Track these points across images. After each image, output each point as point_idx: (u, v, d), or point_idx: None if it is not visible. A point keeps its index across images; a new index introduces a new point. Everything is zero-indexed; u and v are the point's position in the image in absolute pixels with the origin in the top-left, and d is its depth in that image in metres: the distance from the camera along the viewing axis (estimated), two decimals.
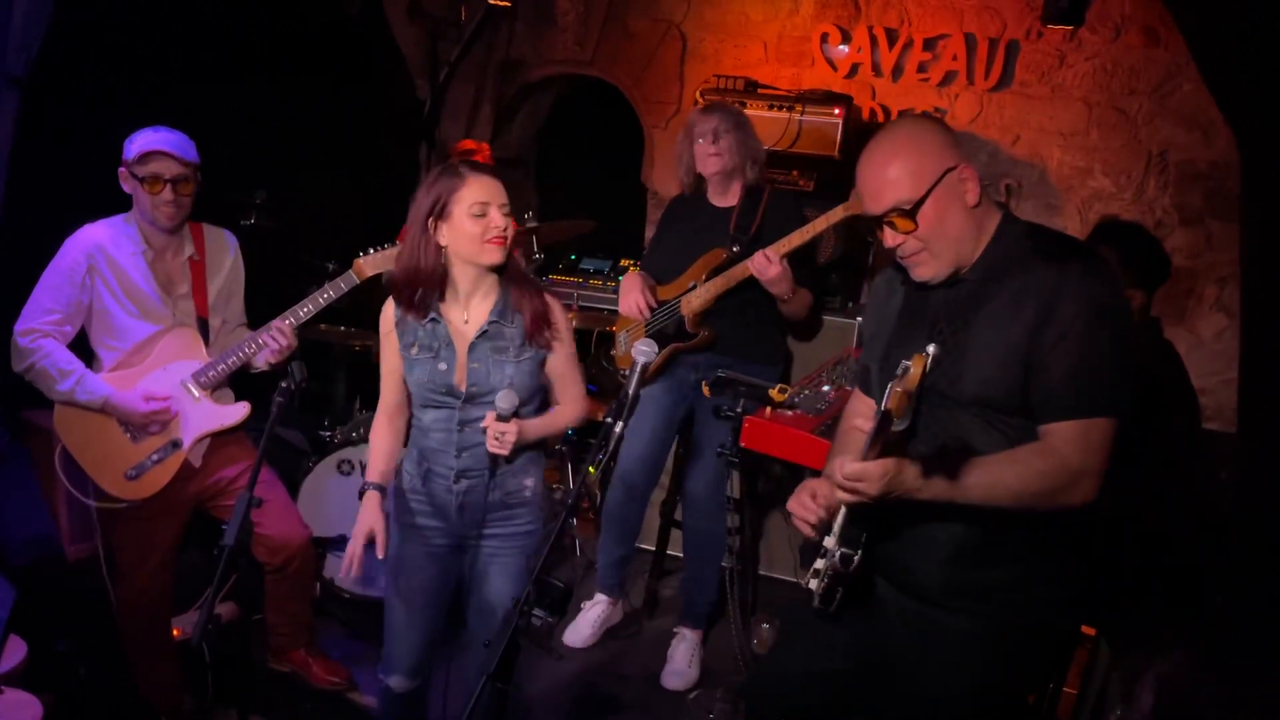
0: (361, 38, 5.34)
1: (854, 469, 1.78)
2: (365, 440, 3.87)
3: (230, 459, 3.13)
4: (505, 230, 2.43)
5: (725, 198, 3.56)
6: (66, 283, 2.90)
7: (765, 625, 3.82)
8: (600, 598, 3.88)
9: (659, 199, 5.37)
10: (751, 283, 3.38)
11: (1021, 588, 2.02)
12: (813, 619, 2.19)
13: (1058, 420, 1.89)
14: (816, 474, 2.25)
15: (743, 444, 3.15)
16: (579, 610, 3.88)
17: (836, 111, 4.35)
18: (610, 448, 2.20)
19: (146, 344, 2.99)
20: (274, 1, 4.64)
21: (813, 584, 2.09)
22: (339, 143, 5.07)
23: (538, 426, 2.54)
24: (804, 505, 2.03)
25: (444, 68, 5.55)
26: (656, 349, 2.35)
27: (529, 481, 2.59)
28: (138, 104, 3.30)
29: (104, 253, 2.93)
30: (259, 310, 3.22)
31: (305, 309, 3.06)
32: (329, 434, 4.10)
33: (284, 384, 2.45)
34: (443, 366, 2.49)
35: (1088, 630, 2.80)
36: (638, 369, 2.25)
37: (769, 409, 3.17)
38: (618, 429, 2.21)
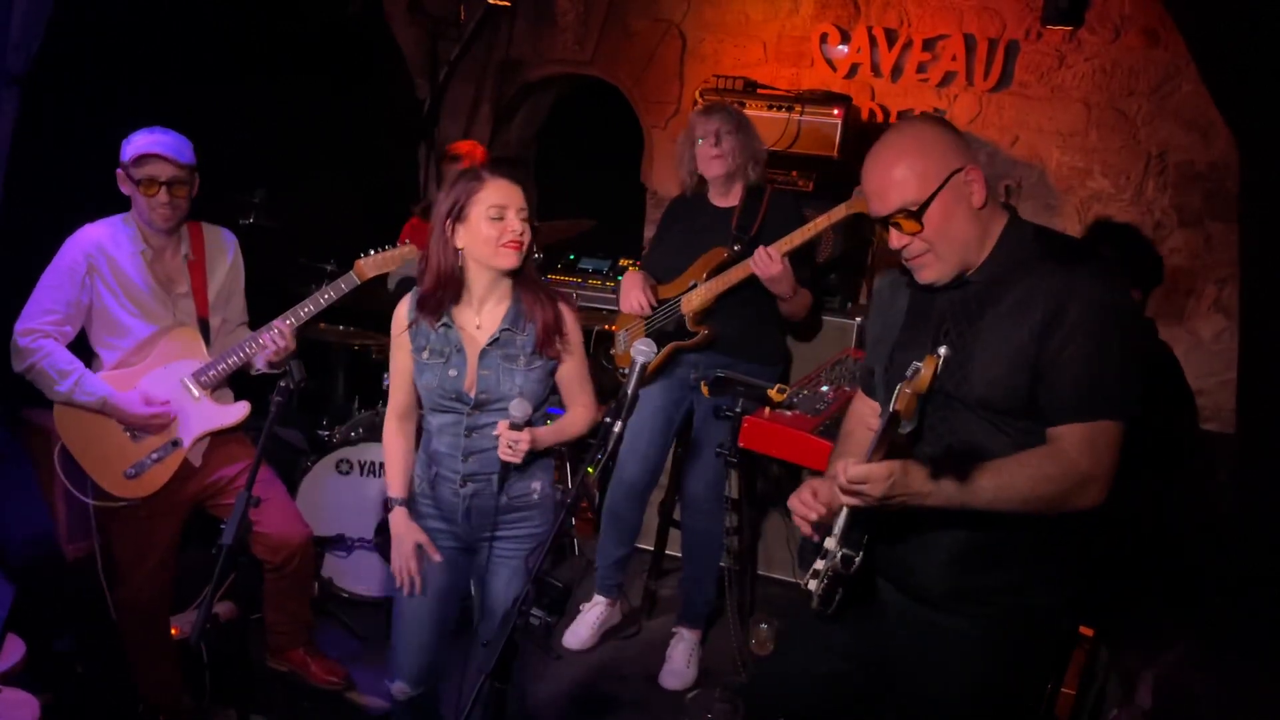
0: (361, 37, 5.34)
1: (858, 471, 1.78)
2: (364, 440, 3.87)
3: (230, 458, 3.13)
4: (522, 235, 2.43)
5: (726, 198, 3.56)
6: (66, 283, 2.90)
7: (763, 625, 3.81)
8: (599, 599, 3.88)
9: (658, 199, 5.37)
10: (752, 282, 3.38)
11: (1023, 590, 2.01)
12: (813, 621, 2.18)
13: (1066, 423, 1.89)
14: (815, 474, 2.25)
15: (741, 444, 3.15)
16: (578, 612, 3.88)
17: (836, 112, 4.35)
18: (609, 447, 2.20)
19: (146, 343, 2.99)
20: (274, 1, 4.63)
21: (812, 585, 2.09)
22: (338, 142, 5.07)
23: (549, 434, 2.54)
24: (804, 503, 2.03)
25: (444, 67, 5.55)
26: (655, 349, 2.35)
27: (536, 485, 2.58)
28: (137, 103, 3.30)
29: (104, 252, 2.93)
30: (259, 310, 3.23)
31: (306, 309, 3.06)
32: (327, 433, 4.10)
33: (283, 383, 2.45)
34: (453, 372, 2.48)
35: (1086, 631, 2.80)
36: (637, 369, 2.25)
37: (768, 409, 3.17)
38: (617, 428, 2.21)
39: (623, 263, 4.96)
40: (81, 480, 2.96)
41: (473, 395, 2.48)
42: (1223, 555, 3.28)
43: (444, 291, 2.48)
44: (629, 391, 2.24)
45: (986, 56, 4.61)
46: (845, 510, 1.96)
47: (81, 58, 3.68)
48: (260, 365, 3.05)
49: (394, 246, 3.16)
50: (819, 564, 2.05)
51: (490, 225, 2.40)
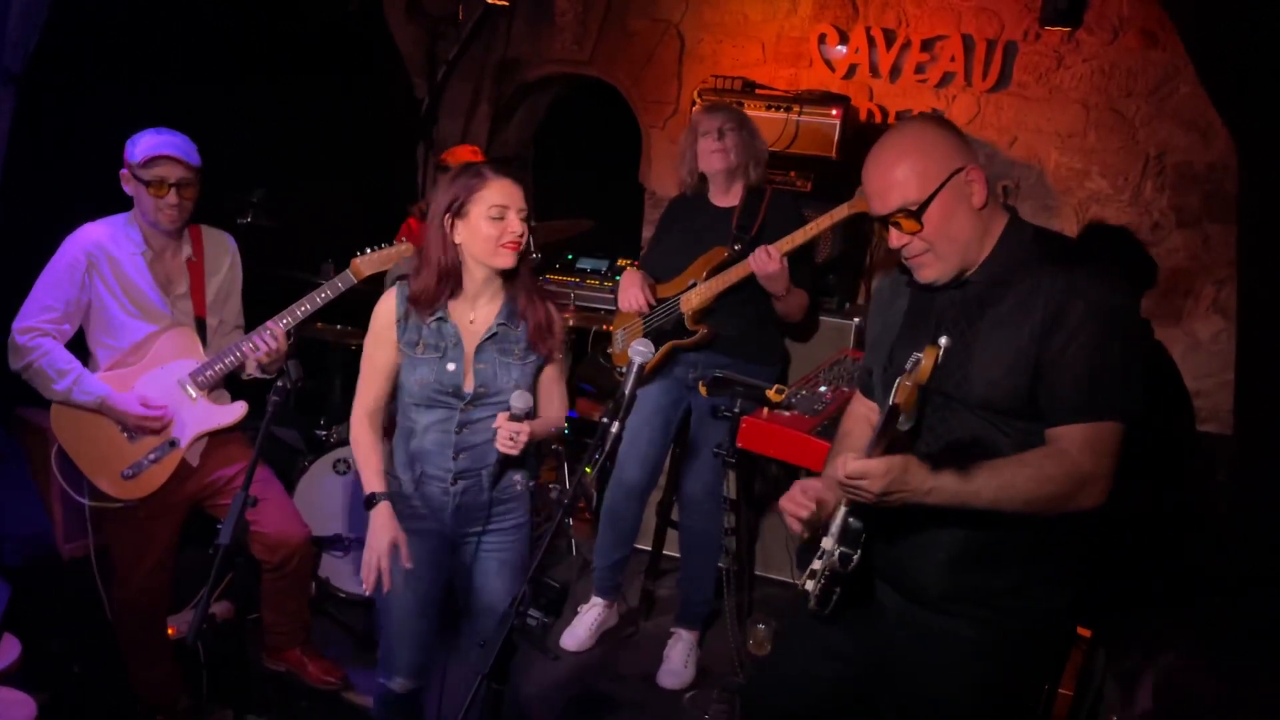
0: (360, 36, 5.33)
1: (857, 466, 1.78)
2: None
3: (228, 458, 3.13)
4: (521, 235, 2.44)
5: (727, 198, 3.56)
6: (66, 281, 2.89)
7: (761, 626, 3.81)
8: (597, 601, 3.88)
9: (656, 199, 5.37)
10: (751, 282, 3.38)
11: (1022, 592, 2.01)
12: (811, 622, 2.18)
13: (1068, 423, 1.89)
14: (814, 475, 2.25)
15: (739, 444, 3.15)
16: (575, 613, 3.87)
17: (834, 112, 4.35)
18: (607, 448, 2.19)
19: (144, 343, 2.98)
20: (272, 0, 4.63)
21: (809, 585, 2.09)
22: (337, 142, 5.06)
23: (538, 427, 2.55)
24: (794, 500, 2.02)
25: (442, 67, 5.55)
26: (653, 349, 2.35)
27: (518, 476, 2.61)
28: (135, 102, 3.29)
29: (103, 251, 2.92)
30: (257, 309, 3.22)
31: (303, 308, 3.06)
32: (325, 433, 4.10)
33: (280, 383, 2.45)
34: (451, 366, 2.48)
35: (1083, 632, 2.79)
36: (634, 369, 2.25)
37: (766, 409, 3.17)
38: (614, 429, 2.21)
39: (621, 262, 4.97)
40: (78, 481, 2.95)
41: (469, 390, 2.48)
42: (1221, 556, 3.28)
43: (441, 286, 2.47)
44: (627, 392, 2.24)
45: (985, 57, 4.61)
46: (842, 509, 1.96)
47: (79, 56, 3.67)
48: (251, 368, 3.04)
49: (391, 245, 3.16)
50: (816, 564, 2.05)
51: (491, 225, 2.41)
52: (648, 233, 5.33)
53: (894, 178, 1.95)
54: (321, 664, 3.41)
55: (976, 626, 2.03)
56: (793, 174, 4.41)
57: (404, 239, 3.22)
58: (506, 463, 2.51)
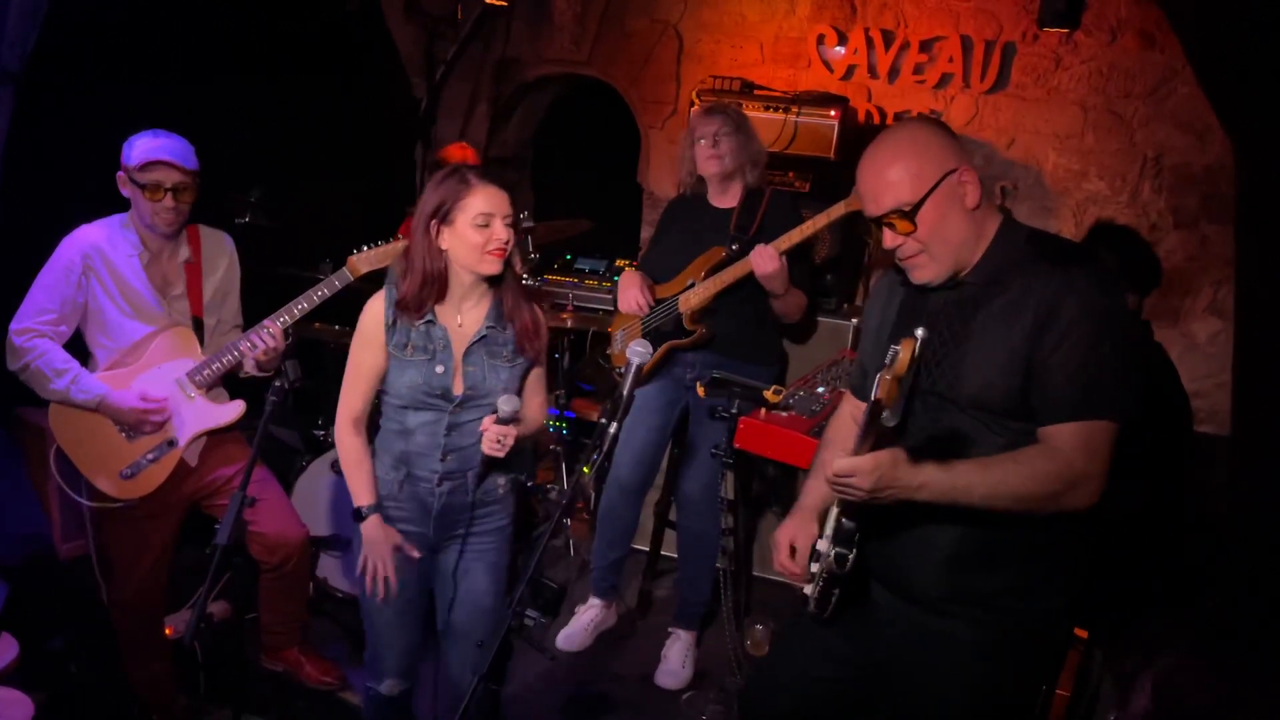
0: (358, 36, 5.33)
1: (845, 464, 1.78)
2: None
3: (226, 458, 3.13)
4: (506, 243, 2.44)
5: (725, 199, 3.57)
6: (63, 282, 2.89)
7: (759, 626, 3.82)
8: (594, 601, 3.88)
9: (655, 199, 5.37)
10: (750, 282, 3.38)
11: (1019, 593, 2.01)
12: (809, 624, 2.18)
13: (1060, 422, 1.89)
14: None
15: (737, 445, 3.15)
16: (573, 613, 3.88)
17: (832, 113, 4.35)
18: (605, 448, 2.20)
19: (142, 343, 2.98)
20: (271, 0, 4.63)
21: (808, 589, 2.09)
22: (335, 141, 5.07)
23: (521, 430, 2.55)
24: (787, 561, 2.13)
25: (440, 66, 5.55)
26: (651, 349, 2.35)
27: (503, 479, 2.62)
28: (134, 102, 3.29)
29: (100, 253, 2.92)
30: (255, 309, 3.22)
31: (299, 306, 3.05)
32: (322, 433, 4.10)
33: (278, 383, 2.45)
34: (440, 369, 2.48)
35: (1080, 632, 2.80)
36: (632, 369, 2.25)
37: (764, 410, 3.17)
38: (612, 429, 2.21)
39: (619, 263, 4.97)
40: (77, 481, 2.95)
41: (458, 392, 2.48)
42: (1218, 557, 3.28)
43: (427, 290, 2.47)
44: (625, 392, 2.24)
45: (983, 58, 4.61)
46: (834, 510, 1.96)
47: (78, 56, 3.67)
48: (249, 367, 3.04)
49: (387, 242, 3.15)
50: (813, 567, 2.05)
51: (476, 232, 2.41)
52: (646, 233, 5.34)
53: (888, 179, 1.96)
54: (319, 664, 3.41)
55: (974, 627, 2.03)
56: (791, 174, 4.41)
57: (400, 236, 3.21)
58: (491, 464, 2.52)
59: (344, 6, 5.10)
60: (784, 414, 3.16)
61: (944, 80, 4.70)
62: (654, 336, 3.54)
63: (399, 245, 3.14)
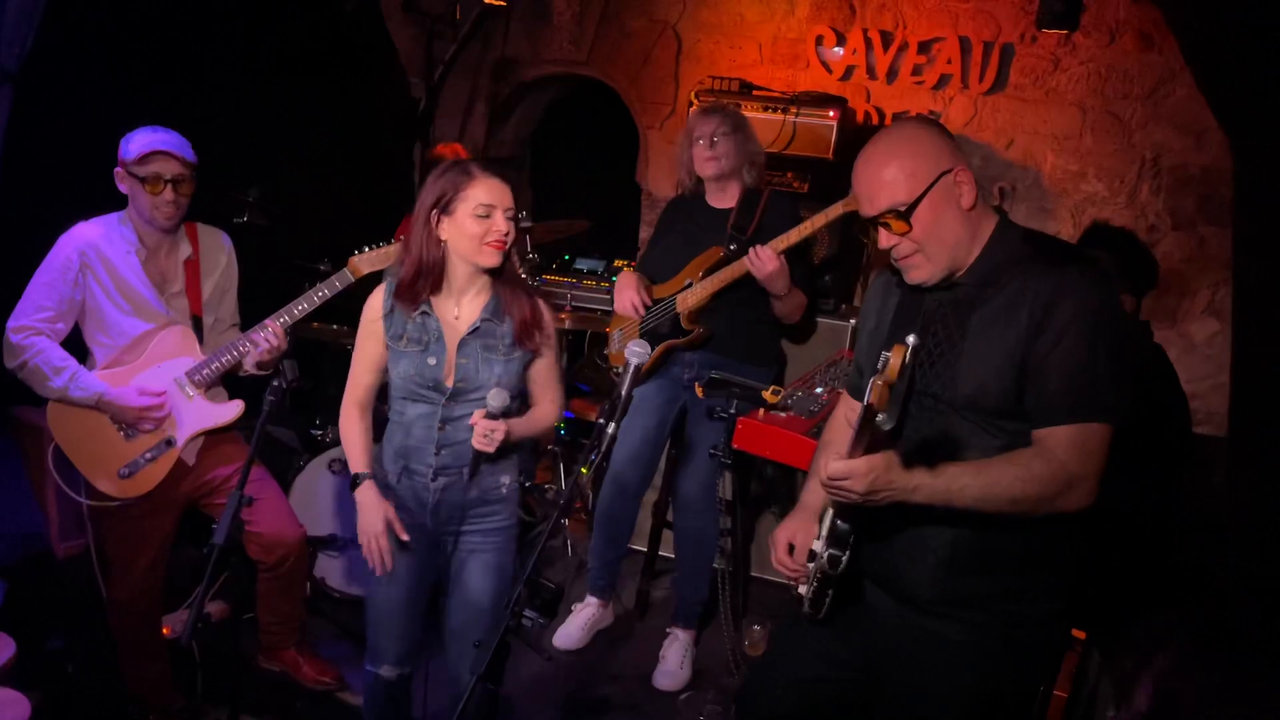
0: (357, 35, 5.33)
1: (839, 467, 1.78)
2: None
3: (224, 457, 3.12)
4: (507, 235, 2.43)
5: (723, 199, 3.57)
6: (59, 280, 2.89)
7: (757, 627, 3.82)
8: (591, 600, 3.88)
9: (653, 199, 5.37)
10: (747, 282, 3.38)
11: (1016, 595, 2.01)
12: (804, 625, 2.18)
13: (1055, 425, 1.89)
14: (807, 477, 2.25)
15: (735, 445, 3.15)
16: (569, 612, 3.87)
17: (831, 114, 4.35)
18: (603, 448, 2.19)
19: (140, 341, 2.98)
20: None
21: (802, 590, 2.09)
22: (333, 140, 5.07)
23: (521, 426, 2.55)
24: (786, 562, 2.14)
25: (439, 66, 5.54)
26: (650, 349, 2.35)
27: (505, 479, 2.60)
28: (131, 101, 3.29)
29: (97, 250, 2.91)
30: (252, 308, 3.22)
31: (300, 307, 3.05)
32: (320, 433, 4.09)
33: (276, 382, 2.45)
34: (432, 361, 2.48)
35: (1078, 634, 2.80)
36: (630, 369, 2.25)
37: (762, 410, 3.17)
38: (610, 429, 2.21)
39: (617, 263, 4.97)
40: (75, 479, 2.95)
41: (450, 384, 2.48)
42: (1215, 558, 3.29)
43: (423, 281, 2.48)
44: (623, 393, 2.24)
45: (981, 59, 4.61)
46: (829, 512, 1.96)
47: (75, 55, 3.67)
48: (249, 366, 3.04)
49: (389, 243, 3.16)
50: (808, 566, 2.05)
51: (476, 223, 2.41)
52: (645, 233, 5.34)
53: (883, 179, 1.96)
54: (316, 664, 3.41)
55: (970, 630, 2.03)
56: (790, 175, 4.41)
57: (401, 237, 3.21)
58: (481, 459, 2.50)
59: (342, 6, 5.10)
60: (782, 414, 3.16)
61: (942, 81, 4.70)
62: (652, 337, 3.54)
63: (399, 246, 3.14)
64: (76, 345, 2.97)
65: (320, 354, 4.33)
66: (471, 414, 2.47)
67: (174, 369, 3.00)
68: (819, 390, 3.38)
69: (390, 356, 2.54)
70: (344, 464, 3.81)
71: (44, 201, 3.23)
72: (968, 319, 1.98)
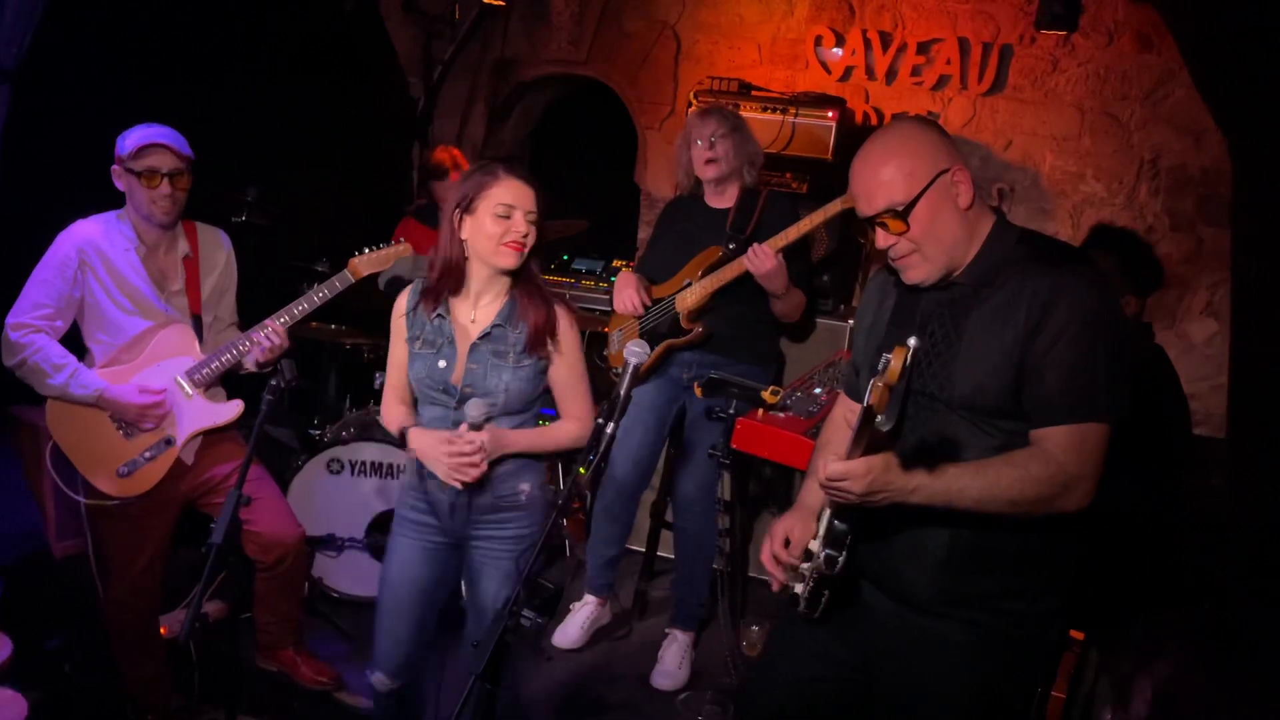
0: (355, 35, 5.33)
1: (837, 468, 1.77)
2: (355, 439, 3.86)
3: (223, 457, 3.12)
4: (526, 237, 2.42)
5: (722, 199, 3.57)
6: (58, 278, 2.88)
7: (755, 628, 3.82)
8: (589, 599, 3.88)
9: (652, 200, 5.37)
10: (746, 281, 3.38)
11: (1014, 594, 2.01)
12: (801, 624, 2.18)
13: (1053, 425, 1.89)
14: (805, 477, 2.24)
15: (734, 445, 3.15)
16: (568, 611, 3.87)
17: (830, 114, 4.35)
18: (602, 449, 2.19)
19: (140, 339, 2.97)
20: None
21: (798, 588, 2.09)
22: (332, 140, 5.06)
23: (525, 439, 2.51)
24: (776, 557, 2.10)
25: (438, 66, 5.55)
26: (649, 349, 2.35)
27: (524, 486, 2.55)
28: (130, 100, 3.29)
29: (96, 248, 2.91)
30: (252, 308, 3.21)
31: (300, 307, 3.05)
32: (318, 432, 4.09)
33: (274, 382, 2.44)
34: (442, 364, 2.48)
35: (1076, 634, 2.80)
36: (630, 370, 2.25)
37: (761, 411, 3.17)
38: (609, 429, 2.20)
39: (616, 264, 4.96)
40: (73, 478, 2.94)
41: (459, 388, 2.47)
42: (1214, 559, 3.29)
43: (443, 280, 2.49)
44: (622, 393, 2.24)
45: (980, 60, 4.61)
46: (827, 511, 1.96)
47: (73, 52, 3.67)
48: (250, 365, 3.04)
49: (389, 245, 3.16)
50: (804, 566, 2.05)
51: (495, 222, 2.40)
52: (643, 234, 5.34)
53: (880, 179, 1.96)
54: (314, 664, 3.40)
55: (968, 629, 2.03)
56: (788, 175, 4.41)
57: (401, 239, 3.21)
58: (495, 467, 2.47)
59: (341, 6, 5.09)
60: (781, 415, 3.16)
61: (941, 82, 4.70)
62: (651, 337, 3.54)
63: (400, 248, 3.16)
64: (75, 344, 2.97)
65: (319, 354, 4.33)
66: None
67: (173, 368, 3.00)
68: (818, 391, 3.38)
69: (408, 358, 2.55)
70: (342, 464, 3.83)
71: (43, 200, 3.22)
72: (965, 319, 1.98)
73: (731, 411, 3.24)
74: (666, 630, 3.76)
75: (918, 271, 2.01)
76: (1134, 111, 4.45)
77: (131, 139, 2.89)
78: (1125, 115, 4.47)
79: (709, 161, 3.47)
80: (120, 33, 3.89)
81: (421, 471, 2.55)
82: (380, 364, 2.80)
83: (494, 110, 5.77)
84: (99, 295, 2.92)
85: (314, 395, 4.37)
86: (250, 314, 3.17)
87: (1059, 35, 4.43)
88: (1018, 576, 2.01)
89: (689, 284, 3.51)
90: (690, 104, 4.58)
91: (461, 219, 2.44)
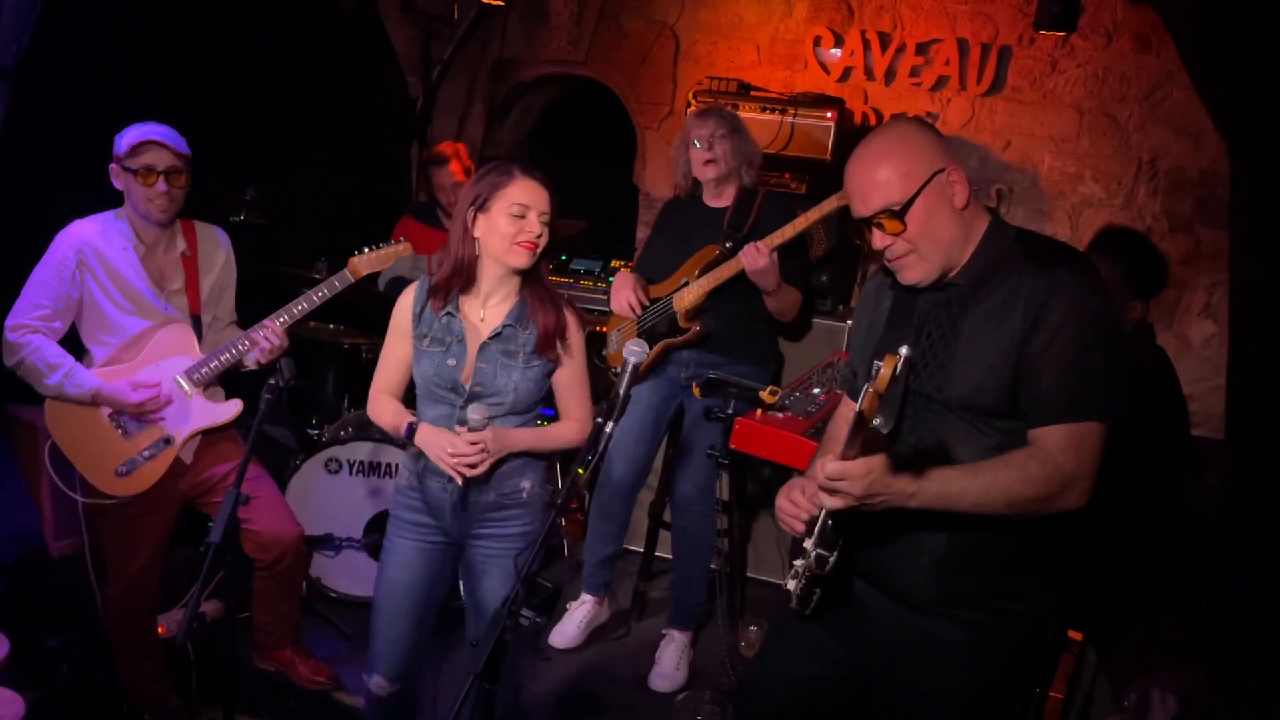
0: (354, 35, 5.33)
1: (836, 468, 1.77)
2: (353, 439, 3.86)
3: (221, 456, 3.12)
4: (539, 237, 2.43)
5: (720, 199, 3.57)
6: (56, 278, 2.88)
7: (753, 628, 3.81)
8: (586, 598, 3.87)
9: (651, 200, 5.37)
10: (743, 280, 3.38)
11: (1011, 594, 2.01)
12: (798, 624, 2.18)
13: (1050, 424, 1.89)
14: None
15: (732, 445, 3.15)
16: (565, 611, 3.87)
17: (828, 115, 4.35)
18: (600, 448, 2.19)
19: (139, 339, 2.97)
20: None
21: (791, 585, 2.09)
22: (331, 140, 5.06)
23: (526, 438, 2.52)
24: (794, 502, 2.02)
25: (437, 66, 5.55)
26: (647, 349, 2.35)
27: (525, 484, 2.56)
28: (128, 99, 3.29)
29: (94, 248, 2.91)
30: (250, 308, 3.21)
31: (299, 307, 3.05)
32: (317, 432, 4.09)
33: (272, 381, 2.44)
34: (452, 362, 2.48)
35: (1074, 635, 2.80)
36: (629, 369, 2.25)
37: (760, 411, 3.17)
38: (608, 429, 2.20)
39: (614, 264, 4.96)
40: (71, 477, 2.94)
41: (468, 387, 2.47)
42: (1214, 559, 3.29)
43: (453, 278, 2.48)
44: (621, 392, 2.24)
45: (979, 61, 4.61)
46: (824, 510, 1.96)
47: (71, 51, 3.67)
48: (250, 364, 3.04)
49: (388, 245, 3.16)
50: (798, 563, 2.05)
51: (509, 222, 2.41)
52: (642, 234, 5.34)
53: (877, 179, 1.96)
54: (312, 664, 3.40)
55: (966, 629, 2.03)
56: (787, 176, 4.41)
57: (401, 239, 3.22)
58: (498, 465, 2.48)
59: (340, 6, 5.09)
60: (780, 415, 3.16)
61: (940, 83, 4.70)
62: (649, 336, 3.54)
63: (399, 248, 3.16)
64: (74, 344, 2.96)
65: (317, 353, 4.33)
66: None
67: (173, 367, 3.00)
68: (816, 391, 3.38)
69: (414, 356, 2.54)
70: (340, 464, 3.83)
71: (42, 199, 3.22)
72: (961, 320, 1.98)
73: (730, 411, 3.24)
74: (664, 630, 3.76)
75: (914, 272, 2.01)
76: (1132, 113, 4.45)
77: (128, 137, 2.89)
78: (1124, 116, 4.47)
79: (707, 163, 3.47)
80: (119, 32, 3.88)
81: (421, 472, 2.55)
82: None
83: (493, 110, 5.77)
84: (98, 296, 2.92)
85: (312, 395, 4.36)
86: (249, 313, 3.17)
87: (1058, 36, 4.43)
88: (1015, 576, 2.01)
89: (686, 283, 3.51)
90: (689, 104, 4.57)
91: (475, 217, 2.45)
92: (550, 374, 2.55)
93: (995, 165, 4.68)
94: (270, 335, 2.97)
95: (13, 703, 2.60)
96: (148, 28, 4.01)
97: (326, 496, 3.83)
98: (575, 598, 3.91)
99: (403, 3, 5.36)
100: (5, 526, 3.65)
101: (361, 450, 3.83)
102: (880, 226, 1.98)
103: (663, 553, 4.06)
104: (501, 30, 5.58)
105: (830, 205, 3.27)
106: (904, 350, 1.68)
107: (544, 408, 2.64)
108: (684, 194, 3.69)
